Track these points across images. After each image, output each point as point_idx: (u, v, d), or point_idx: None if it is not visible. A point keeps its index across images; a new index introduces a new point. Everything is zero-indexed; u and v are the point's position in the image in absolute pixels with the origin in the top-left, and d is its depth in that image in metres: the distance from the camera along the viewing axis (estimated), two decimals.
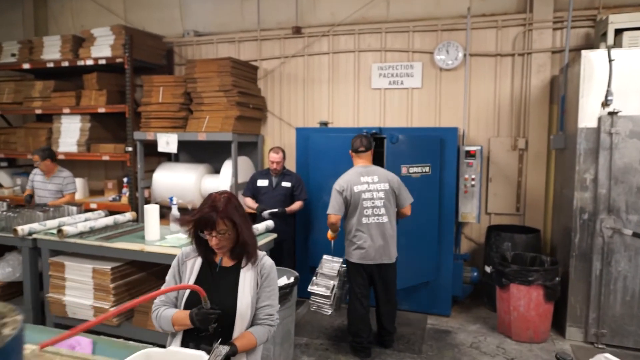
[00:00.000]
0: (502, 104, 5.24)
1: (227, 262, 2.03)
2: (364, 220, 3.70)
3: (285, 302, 3.39)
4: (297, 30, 5.88)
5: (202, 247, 1.98)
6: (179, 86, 5.59)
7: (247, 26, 6.20)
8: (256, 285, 1.98)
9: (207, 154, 6.10)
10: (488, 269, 4.72)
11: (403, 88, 5.56)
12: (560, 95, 4.54)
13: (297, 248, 5.00)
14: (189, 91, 5.56)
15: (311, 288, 3.83)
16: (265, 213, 4.49)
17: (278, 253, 4.52)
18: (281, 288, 3.37)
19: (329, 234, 3.91)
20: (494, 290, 4.38)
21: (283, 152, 4.73)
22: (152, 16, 6.61)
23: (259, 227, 4.02)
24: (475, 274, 4.79)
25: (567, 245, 4.13)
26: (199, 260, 2.04)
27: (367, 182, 3.71)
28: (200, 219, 1.87)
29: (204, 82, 5.46)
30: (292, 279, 3.59)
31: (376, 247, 3.68)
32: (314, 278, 3.90)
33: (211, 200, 1.92)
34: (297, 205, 4.70)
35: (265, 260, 2.04)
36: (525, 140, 5.12)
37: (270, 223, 4.16)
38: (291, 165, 5.35)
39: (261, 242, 3.83)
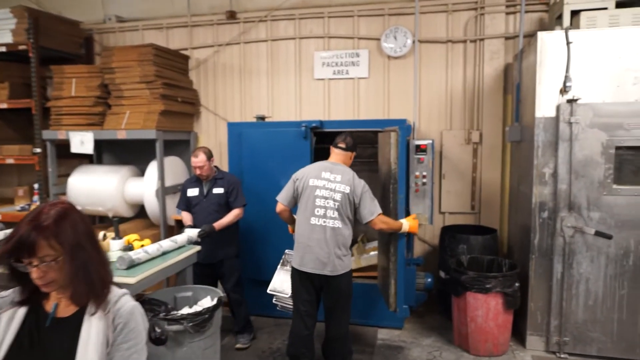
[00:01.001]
0: (455, 94, 4.86)
1: (66, 310, 1.42)
2: (313, 220, 3.17)
3: (204, 330, 2.82)
4: (232, 15, 5.29)
5: (25, 288, 1.37)
6: (95, 77, 4.88)
7: (177, 11, 5.54)
8: (106, 342, 1.37)
9: (135, 155, 5.40)
10: (443, 275, 4.32)
11: (349, 78, 5.09)
12: (516, 83, 4.19)
13: (246, 263, 4.37)
14: (107, 83, 4.86)
15: (271, 288, 3.59)
16: (192, 236, 3.63)
17: (218, 273, 3.97)
18: (198, 314, 2.80)
19: (289, 227, 3.57)
20: (450, 298, 3.98)
21: (207, 153, 3.88)
22: (69, 1, 5.81)
23: (177, 238, 3.42)
24: (430, 280, 4.37)
25: (526, 246, 3.77)
26: (20, 312, 1.41)
27: (327, 179, 3.18)
28: (15, 242, 1.28)
29: (123, 72, 4.77)
30: (214, 301, 3.02)
31: (315, 254, 3.14)
32: (275, 276, 3.61)
33: (34, 214, 1.34)
34: (230, 216, 3.86)
35: (122, 303, 1.43)
36: (480, 133, 4.76)
37: (192, 233, 3.57)
38: (224, 167, 4.77)
39: (180, 256, 3.23)
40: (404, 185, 3.33)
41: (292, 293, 3.34)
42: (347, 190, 3.13)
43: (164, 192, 4.80)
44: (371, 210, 3.16)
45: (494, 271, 3.92)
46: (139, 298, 2.93)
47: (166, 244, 3.27)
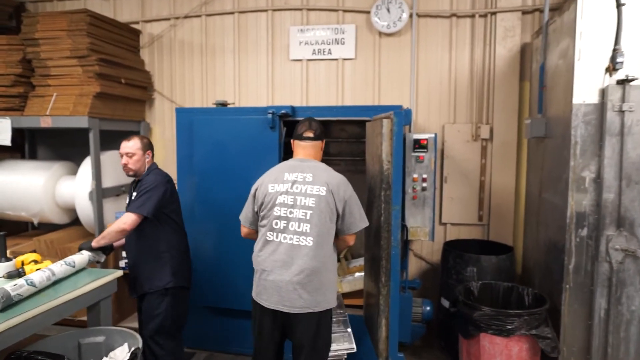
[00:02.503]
0: (460, 81, 3.99)
1: None
2: (269, 235, 2.30)
3: None
4: None
5: None
6: (15, 50, 3.92)
7: None
8: None
9: (77, 149, 4.44)
10: (446, 303, 3.44)
11: (331, 59, 4.19)
12: (540, 64, 3.33)
13: (202, 287, 3.42)
14: (30, 58, 3.90)
15: None
16: (86, 253, 2.66)
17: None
18: None
19: None
20: (454, 332, 3.12)
21: (145, 143, 2.89)
22: None
23: (76, 260, 2.50)
24: (429, 308, 3.49)
25: (556, 272, 2.90)
26: None
27: (291, 181, 2.32)
28: None
29: (50, 44, 3.83)
30: (128, 355, 2.09)
31: (278, 283, 2.25)
32: None
33: None
34: (115, 224, 2.62)
35: None
36: (490, 127, 3.90)
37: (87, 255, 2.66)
38: (172, 163, 3.85)
39: (85, 287, 2.31)
40: (400, 192, 2.43)
41: (252, 328, 2.43)
42: (323, 192, 2.26)
43: (100, 194, 3.85)
44: (358, 221, 2.32)
45: (512, 303, 3.05)
46: (10, 355, 1.99)
47: (59, 269, 2.33)
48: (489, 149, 3.93)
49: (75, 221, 4.30)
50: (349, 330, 2.66)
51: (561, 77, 2.94)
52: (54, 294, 2.18)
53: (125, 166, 2.82)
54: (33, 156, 4.82)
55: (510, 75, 3.86)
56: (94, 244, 2.62)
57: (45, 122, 3.75)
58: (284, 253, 2.25)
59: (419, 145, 3.20)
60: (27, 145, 4.78)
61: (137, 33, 4.49)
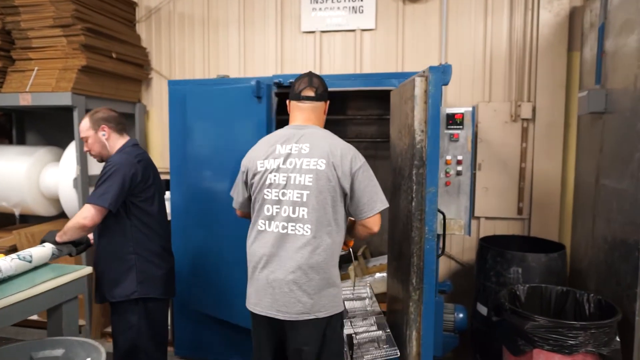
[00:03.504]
0: (496, 53, 3.46)
1: None
2: (261, 224, 1.85)
3: None
4: None
5: None
6: None
7: None
8: None
9: (66, 134, 4.00)
10: (483, 310, 2.91)
11: (348, 30, 3.69)
12: (598, 24, 2.78)
13: (197, 292, 2.97)
14: (9, 28, 3.48)
15: None
16: (49, 246, 2.16)
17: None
18: None
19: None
20: (494, 344, 2.60)
21: (96, 119, 2.27)
22: None
23: (33, 253, 2.04)
24: (462, 315, 2.97)
25: (626, 275, 2.36)
26: None
27: (284, 155, 1.84)
28: None
29: (32, 12, 3.40)
30: None
31: (271, 282, 1.80)
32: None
33: None
34: (74, 219, 2.10)
35: None
36: (532, 106, 3.36)
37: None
38: (163, 143, 3.40)
39: (42, 286, 1.85)
40: (436, 169, 1.91)
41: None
42: (323, 165, 1.78)
43: (86, 181, 3.42)
44: (374, 200, 1.81)
45: (568, 311, 2.52)
46: None
47: (7, 264, 1.87)
48: (531, 130, 3.39)
49: (63, 213, 3.88)
50: (388, 331, 2.15)
51: (630, 37, 2.39)
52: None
53: (90, 154, 2.34)
54: (21, 141, 4.42)
55: (557, 44, 3.32)
56: (58, 238, 2.15)
57: (25, 100, 3.33)
58: (275, 245, 1.80)
59: (453, 120, 2.69)
60: (14, 129, 4.37)
61: (132, 5, 4.05)
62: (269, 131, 2.47)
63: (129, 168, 2.13)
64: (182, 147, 2.97)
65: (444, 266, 3.61)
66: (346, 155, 1.80)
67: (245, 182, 1.93)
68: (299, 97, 1.93)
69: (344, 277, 3.13)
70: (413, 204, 1.95)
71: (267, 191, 1.82)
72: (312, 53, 3.76)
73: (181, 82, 3.03)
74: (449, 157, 2.71)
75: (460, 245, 3.61)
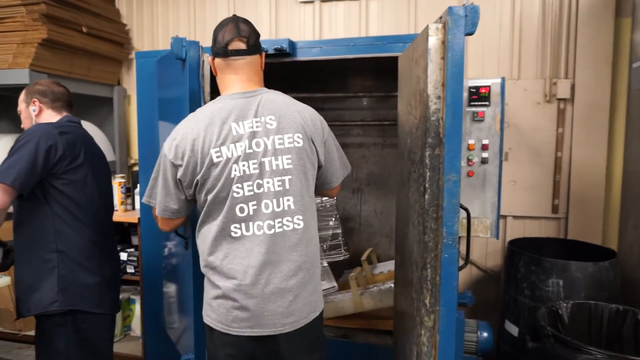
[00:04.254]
0: (527, 19, 2.91)
1: None
2: (235, 230, 1.43)
3: None
4: None
5: None
6: None
7: None
8: None
9: None
10: (513, 330, 2.38)
11: None
12: None
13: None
14: None
15: None
16: None
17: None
18: None
19: None
20: None
21: (27, 91, 1.91)
22: None
23: None
24: (486, 335, 2.44)
25: None
26: None
27: (246, 135, 1.43)
28: None
29: None
30: None
31: (264, 303, 1.42)
32: None
33: None
34: None
35: None
36: (570, 83, 2.81)
37: None
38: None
39: None
40: (459, 149, 1.39)
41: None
42: (301, 142, 1.46)
43: None
44: (343, 164, 1.67)
45: (627, 337, 1.98)
46: None
47: None
48: (569, 113, 2.84)
49: None
50: None
51: None
52: None
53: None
54: None
55: (602, 9, 2.76)
56: None
57: None
58: (265, 251, 1.40)
59: (477, 95, 2.17)
60: None
61: None
62: (192, 108, 1.94)
63: (45, 140, 1.65)
64: (151, 130, 2.50)
65: (464, 272, 3.08)
66: (316, 120, 1.52)
67: (182, 180, 1.44)
68: (227, 53, 1.48)
69: (344, 286, 2.63)
70: (426, 197, 1.44)
71: (237, 188, 1.40)
72: (310, 26, 3.26)
73: (152, 54, 2.55)
74: (471, 141, 2.19)
75: (483, 248, 3.08)
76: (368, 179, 3.16)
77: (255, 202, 1.40)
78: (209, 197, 1.42)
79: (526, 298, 2.31)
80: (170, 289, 2.47)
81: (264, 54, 1.57)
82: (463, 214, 1.85)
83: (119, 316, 3.06)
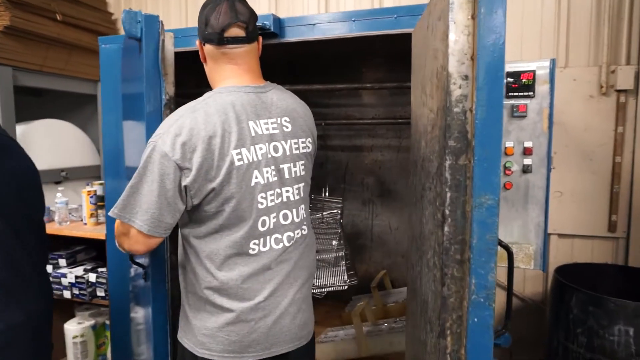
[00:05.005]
0: None
1: None
2: (253, 247, 1.22)
3: None
4: None
5: None
6: None
7: None
8: None
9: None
10: None
11: None
12: None
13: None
14: None
15: None
16: None
17: None
18: None
19: None
20: None
21: None
22: None
23: None
24: None
25: None
26: None
27: (266, 138, 1.23)
28: None
29: None
30: None
31: (283, 308, 1.26)
32: None
33: None
34: None
35: None
36: (635, 71, 2.26)
37: None
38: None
39: None
40: (498, 155, 0.90)
41: None
42: (310, 146, 1.35)
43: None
44: None
45: None
46: None
47: None
48: (631, 107, 2.28)
49: None
50: None
51: None
52: None
53: None
54: None
55: None
56: None
57: None
58: (287, 267, 1.26)
59: (517, 84, 1.65)
60: None
61: None
62: (151, 102, 1.52)
63: None
64: (117, 131, 2.08)
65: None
66: (313, 119, 1.39)
67: (190, 187, 1.14)
68: (222, 40, 1.22)
69: (348, 319, 2.15)
70: (446, 228, 0.95)
71: (261, 197, 1.20)
72: (315, 2, 2.80)
73: (119, 39, 2.13)
74: (509, 144, 1.68)
75: (521, 271, 2.55)
76: (381, 189, 2.67)
77: (275, 214, 1.24)
78: (227, 207, 1.16)
79: (581, 347, 1.77)
80: (139, 314, 2.05)
81: (261, 39, 1.33)
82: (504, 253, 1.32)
83: (92, 343, 2.68)
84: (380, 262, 2.67)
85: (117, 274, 2.20)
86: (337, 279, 2.11)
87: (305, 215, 1.32)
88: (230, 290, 1.20)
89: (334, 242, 2.19)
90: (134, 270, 2.00)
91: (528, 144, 1.67)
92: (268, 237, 1.22)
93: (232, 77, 1.24)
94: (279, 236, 1.24)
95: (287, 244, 1.25)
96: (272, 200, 1.21)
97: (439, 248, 0.99)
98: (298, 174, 1.27)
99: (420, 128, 1.26)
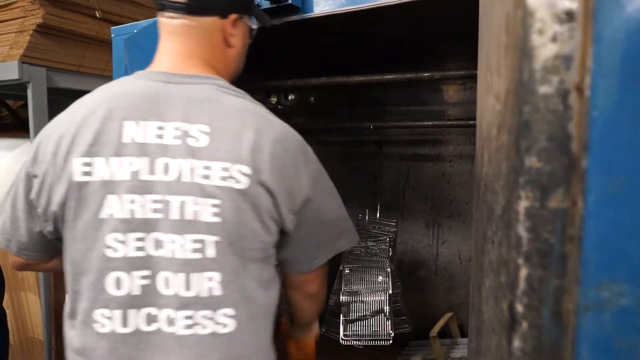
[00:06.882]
0: None
1: None
2: (99, 320, 0.77)
3: None
4: None
5: None
6: None
7: None
8: None
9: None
10: None
11: None
12: None
13: None
14: None
15: None
16: None
17: None
18: None
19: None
20: None
21: None
22: None
23: None
24: None
25: None
26: None
27: (148, 148, 0.78)
28: None
29: None
30: None
31: None
32: None
33: None
34: None
35: None
36: None
37: None
38: None
39: None
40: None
41: None
42: (246, 180, 0.76)
43: None
44: (335, 236, 0.89)
45: None
46: None
47: None
48: None
49: None
50: None
51: None
52: None
53: None
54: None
55: None
56: None
57: None
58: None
59: None
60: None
61: None
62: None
63: None
64: None
65: None
66: (291, 150, 0.84)
67: (35, 202, 0.84)
68: (163, 5, 0.86)
69: None
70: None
71: (114, 238, 0.81)
72: None
73: (128, 28, 1.85)
74: None
75: None
76: (449, 209, 2.12)
77: (147, 273, 0.78)
78: (64, 248, 0.83)
79: None
80: None
81: (234, 18, 0.89)
82: None
83: None
84: (445, 301, 2.13)
85: None
86: (379, 329, 1.63)
87: (220, 295, 0.78)
88: None
89: (380, 278, 1.71)
90: None
91: None
92: (130, 310, 0.77)
93: (159, 60, 0.87)
94: (153, 312, 0.78)
95: (165, 329, 0.77)
96: (139, 248, 0.77)
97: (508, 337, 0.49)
98: (204, 219, 0.77)
99: (483, 130, 0.75)
